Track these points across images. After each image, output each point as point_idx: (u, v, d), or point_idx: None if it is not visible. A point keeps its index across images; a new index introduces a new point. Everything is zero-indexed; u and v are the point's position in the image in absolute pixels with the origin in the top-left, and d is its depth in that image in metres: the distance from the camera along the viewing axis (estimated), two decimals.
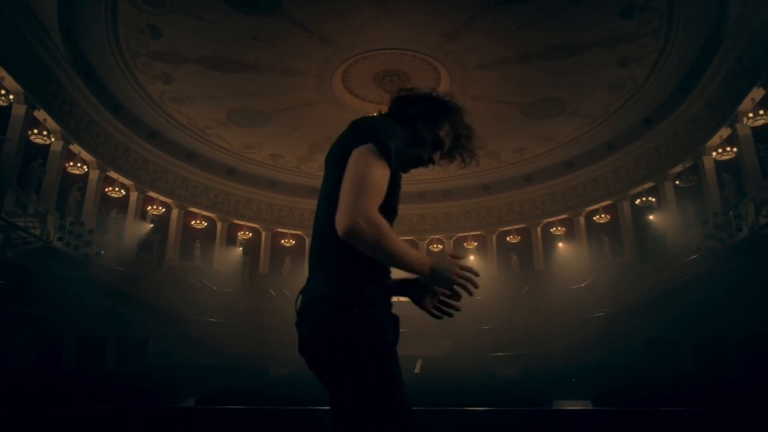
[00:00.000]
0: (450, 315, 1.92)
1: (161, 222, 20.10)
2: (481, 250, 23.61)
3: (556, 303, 19.50)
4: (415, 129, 1.82)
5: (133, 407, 6.36)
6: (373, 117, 1.75)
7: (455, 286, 1.63)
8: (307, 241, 21.61)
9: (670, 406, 5.92)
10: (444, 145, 1.86)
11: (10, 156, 12.23)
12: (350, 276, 1.63)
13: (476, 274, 1.66)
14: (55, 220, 13.96)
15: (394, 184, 1.72)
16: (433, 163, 1.89)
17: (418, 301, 1.96)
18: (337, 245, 1.58)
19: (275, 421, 6.11)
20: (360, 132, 1.64)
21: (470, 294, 1.66)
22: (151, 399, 8.07)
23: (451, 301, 1.89)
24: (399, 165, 1.83)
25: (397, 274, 1.80)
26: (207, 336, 16.93)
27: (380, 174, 1.56)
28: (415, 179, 21.95)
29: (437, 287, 1.78)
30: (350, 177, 1.54)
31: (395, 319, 1.74)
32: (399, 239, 1.53)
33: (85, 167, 16.16)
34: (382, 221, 1.49)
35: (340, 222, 1.49)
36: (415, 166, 1.88)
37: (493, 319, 19.61)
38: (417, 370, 13.93)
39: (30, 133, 13.26)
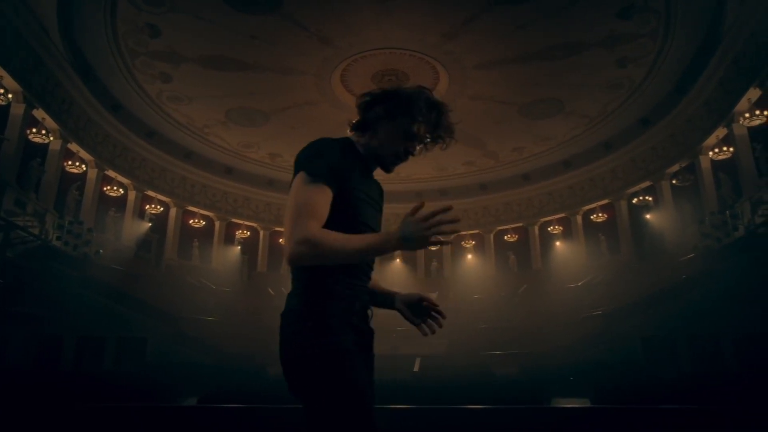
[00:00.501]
0: (433, 331, 1.98)
1: (159, 221, 20.09)
2: (479, 249, 23.67)
3: (553, 302, 19.57)
4: (378, 130, 1.83)
5: (136, 406, 6.38)
6: (309, 144, 1.76)
7: (435, 237, 1.56)
8: None
9: (668, 404, 5.98)
10: (416, 135, 1.83)
11: (10, 155, 12.22)
12: (309, 290, 1.71)
13: (447, 210, 1.58)
14: (54, 220, 13.96)
15: (354, 198, 1.75)
16: (413, 154, 1.87)
17: (403, 315, 2.01)
18: None
19: (276, 420, 6.14)
20: (295, 163, 1.72)
21: (455, 231, 1.57)
22: (150, 398, 8.09)
23: (436, 316, 1.95)
24: (387, 165, 1.87)
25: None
26: (205, 335, 16.94)
27: (311, 196, 1.61)
28: (411, 178, 21.99)
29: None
30: (287, 208, 1.64)
31: (362, 331, 1.76)
32: (347, 237, 1.57)
33: (83, 166, 16.15)
34: (317, 233, 1.54)
35: (284, 254, 1.61)
36: (394, 164, 1.89)
37: (491, 318, 19.68)
38: (416, 368, 13.99)
39: (29, 132, 13.25)
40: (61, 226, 13.97)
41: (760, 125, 13.00)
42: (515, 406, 6.72)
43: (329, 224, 1.63)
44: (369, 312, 1.83)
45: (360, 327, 1.76)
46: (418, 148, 1.87)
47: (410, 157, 1.89)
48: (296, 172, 1.69)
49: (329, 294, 1.70)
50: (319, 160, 1.67)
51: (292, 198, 1.63)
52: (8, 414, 6.22)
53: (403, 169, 15.30)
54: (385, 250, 1.60)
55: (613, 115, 17.66)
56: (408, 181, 21.87)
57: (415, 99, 1.80)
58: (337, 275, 1.72)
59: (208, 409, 5.96)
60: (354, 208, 1.75)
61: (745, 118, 13.07)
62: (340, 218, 1.68)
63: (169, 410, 6.21)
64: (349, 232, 1.63)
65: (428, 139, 1.87)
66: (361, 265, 1.80)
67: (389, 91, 1.86)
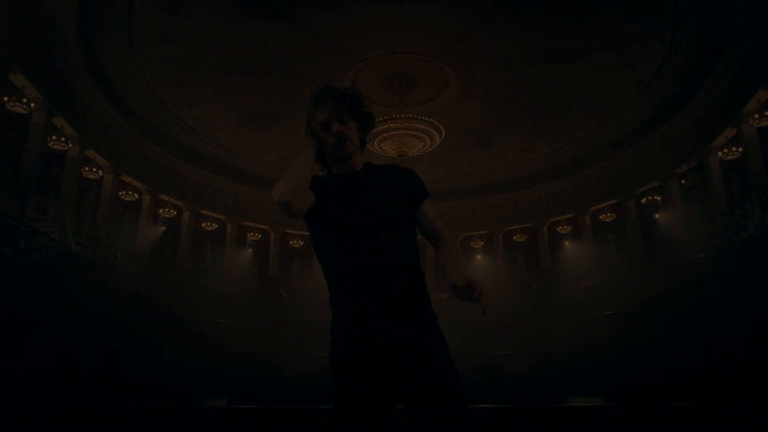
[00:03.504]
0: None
1: (173, 225, 20.35)
2: (488, 249, 23.78)
3: (564, 301, 19.67)
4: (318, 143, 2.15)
5: (164, 408, 6.60)
6: None
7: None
8: None
9: (680, 402, 6.13)
10: (323, 123, 2.13)
11: (31, 163, 12.50)
12: (332, 306, 1.98)
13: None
14: (73, 225, 14.24)
15: (322, 195, 2.00)
16: (340, 134, 2.10)
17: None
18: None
19: (292, 420, 6.33)
20: None
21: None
22: (172, 400, 8.31)
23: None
24: (338, 156, 2.12)
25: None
26: (220, 337, 17.20)
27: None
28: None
29: None
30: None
31: (355, 335, 1.84)
32: (289, 171, 1.96)
33: (99, 172, 16.44)
34: (276, 188, 1.88)
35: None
36: (342, 152, 2.12)
37: (501, 318, 19.79)
38: None
39: (48, 139, 13.54)
40: (80, 231, 14.25)
41: None
42: (530, 405, 6.88)
43: (325, 259, 1.99)
44: (374, 309, 1.83)
45: (349, 331, 1.85)
46: (337, 128, 2.09)
47: (345, 135, 2.11)
48: None
49: (336, 310, 1.95)
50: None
51: None
52: (31, 417, 6.43)
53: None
54: (305, 157, 2.06)
55: (621, 116, 17.74)
56: None
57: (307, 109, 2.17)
58: (332, 282, 1.96)
59: (242, 410, 6.17)
60: (327, 240, 1.99)
61: (754, 119, 13.14)
62: (325, 248, 1.99)
63: (198, 411, 6.43)
64: (332, 262, 1.93)
65: (339, 115, 2.11)
66: (349, 265, 1.89)
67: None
